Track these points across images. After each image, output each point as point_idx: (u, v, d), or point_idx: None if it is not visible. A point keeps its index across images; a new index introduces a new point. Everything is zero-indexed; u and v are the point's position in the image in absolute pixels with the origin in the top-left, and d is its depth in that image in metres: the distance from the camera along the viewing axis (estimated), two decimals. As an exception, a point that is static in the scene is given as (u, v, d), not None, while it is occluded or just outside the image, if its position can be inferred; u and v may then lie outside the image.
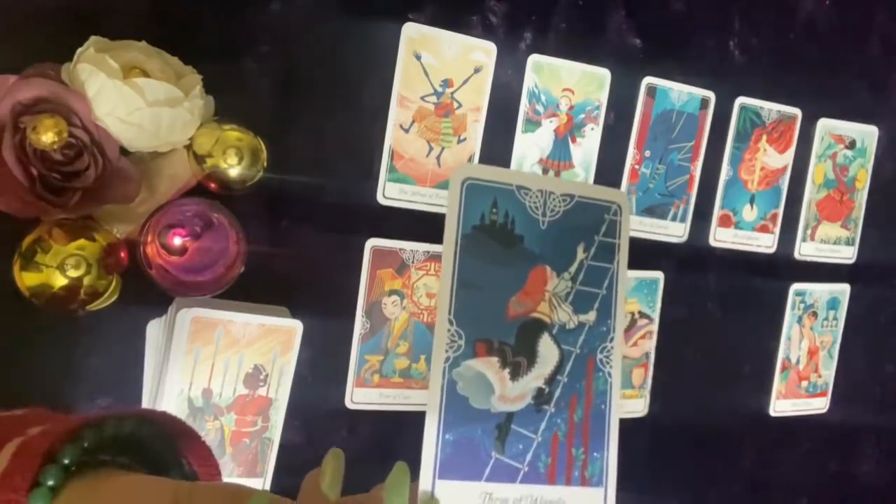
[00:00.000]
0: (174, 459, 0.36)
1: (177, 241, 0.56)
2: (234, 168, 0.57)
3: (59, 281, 0.52)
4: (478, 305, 0.35)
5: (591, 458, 0.36)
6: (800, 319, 0.84)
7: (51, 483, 0.29)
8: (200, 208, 0.57)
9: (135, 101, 0.51)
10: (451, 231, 0.35)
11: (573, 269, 0.37)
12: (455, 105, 0.68)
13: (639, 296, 0.76)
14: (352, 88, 0.65)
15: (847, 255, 0.87)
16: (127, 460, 0.34)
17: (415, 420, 0.70)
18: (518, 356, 0.35)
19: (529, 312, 0.36)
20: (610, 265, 0.37)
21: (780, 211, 0.82)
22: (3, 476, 0.29)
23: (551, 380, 0.36)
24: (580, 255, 0.37)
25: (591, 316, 0.37)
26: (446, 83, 0.67)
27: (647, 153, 0.75)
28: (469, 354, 0.34)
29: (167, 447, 0.36)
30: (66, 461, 0.30)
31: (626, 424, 0.83)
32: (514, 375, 0.35)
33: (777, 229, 0.82)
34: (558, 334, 0.36)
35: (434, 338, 0.34)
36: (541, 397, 0.36)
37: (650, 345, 0.78)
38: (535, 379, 0.36)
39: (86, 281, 0.53)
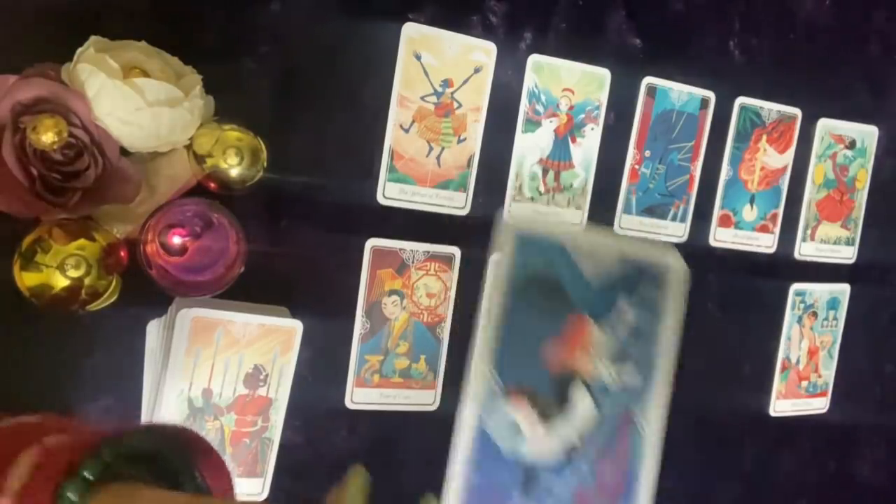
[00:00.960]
0: (188, 472, 0.36)
1: (177, 241, 0.56)
2: (234, 168, 0.57)
3: (60, 281, 0.52)
4: (517, 353, 0.35)
5: None
6: (800, 319, 0.84)
7: (72, 497, 0.29)
8: (200, 208, 0.57)
9: (135, 101, 0.51)
10: (498, 279, 0.34)
11: (618, 325, 0.37)
12: (455, 105, 0.68)
13: (639, 296, 0.76)
14: (352, 88, 0.65)
15: (847, 255, 0.87)
16: (143, 472, 0.35)
17: (415, 420, 0.70)
18: (553, 407, 0.35)
19: (569, 366, 0.36)
20: (656, 324, 0.37)
21: (780, 211, 0.82)
22: (25, 488, 0.29)
23: (584, 433, 0.35)
24: (626, 311, 0.37)
25: (631, 373, 0.37)
26: (446, 83, 0.67)
27: (647, 153, 0.75)
28: (504, 401, 0.34)
29: (182, 460, 0.36)
30: (87, 475, 0.30)
31: (626, 424, 0.83)
32: (548, 426, 0.35)
33: (777, 229, 0.82)
34: (596, 389, 0.36)
35: (469, 380, 0.34)
36: (571, 450, 0.35)
37: (650, 345, 0.78)
38: (567, 431, 0.35)
39: (86, 281, 0.53)
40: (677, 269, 0.37)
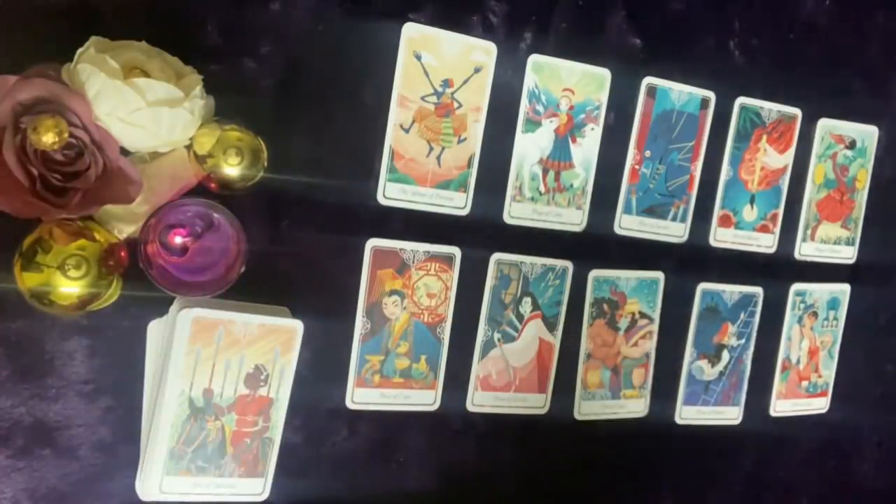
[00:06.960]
0: None
1: (177, 242, 0.56)
2: (234, 168, 0.57)
3: (60, 281, 0.52)
4: None
5: None
6: (800, 319, 0.84)
7: None
8: (201, 208, 0.57)
9: (135, 101, 0.51)
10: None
11: None
12: (455, 105, 0.68)
13: (639, 296, 0.76)
14: (352, 88, 0.65)
15: (847, 255, 0.87)
16: None
17: (415, 420, 0.70)
18: None
19: None
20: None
21: (780, 211, 0.82)
22: None
23: None
24: None
25: None
26: (446, 83, 0.67)
27: (648, 153, 0.75)
28: None
29: None
30: None
31: (626, 424, 0.84)
32: None
33: (777, 229, 0.82)
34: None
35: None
36: None
37: (650, 345, 0.78)
38: None
39: (86, 281, 0.53)
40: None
